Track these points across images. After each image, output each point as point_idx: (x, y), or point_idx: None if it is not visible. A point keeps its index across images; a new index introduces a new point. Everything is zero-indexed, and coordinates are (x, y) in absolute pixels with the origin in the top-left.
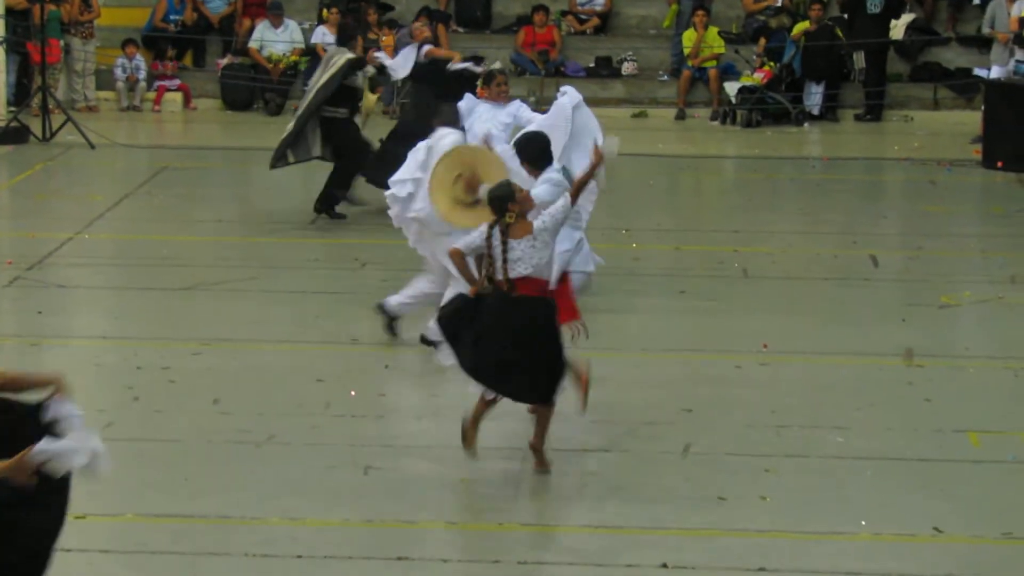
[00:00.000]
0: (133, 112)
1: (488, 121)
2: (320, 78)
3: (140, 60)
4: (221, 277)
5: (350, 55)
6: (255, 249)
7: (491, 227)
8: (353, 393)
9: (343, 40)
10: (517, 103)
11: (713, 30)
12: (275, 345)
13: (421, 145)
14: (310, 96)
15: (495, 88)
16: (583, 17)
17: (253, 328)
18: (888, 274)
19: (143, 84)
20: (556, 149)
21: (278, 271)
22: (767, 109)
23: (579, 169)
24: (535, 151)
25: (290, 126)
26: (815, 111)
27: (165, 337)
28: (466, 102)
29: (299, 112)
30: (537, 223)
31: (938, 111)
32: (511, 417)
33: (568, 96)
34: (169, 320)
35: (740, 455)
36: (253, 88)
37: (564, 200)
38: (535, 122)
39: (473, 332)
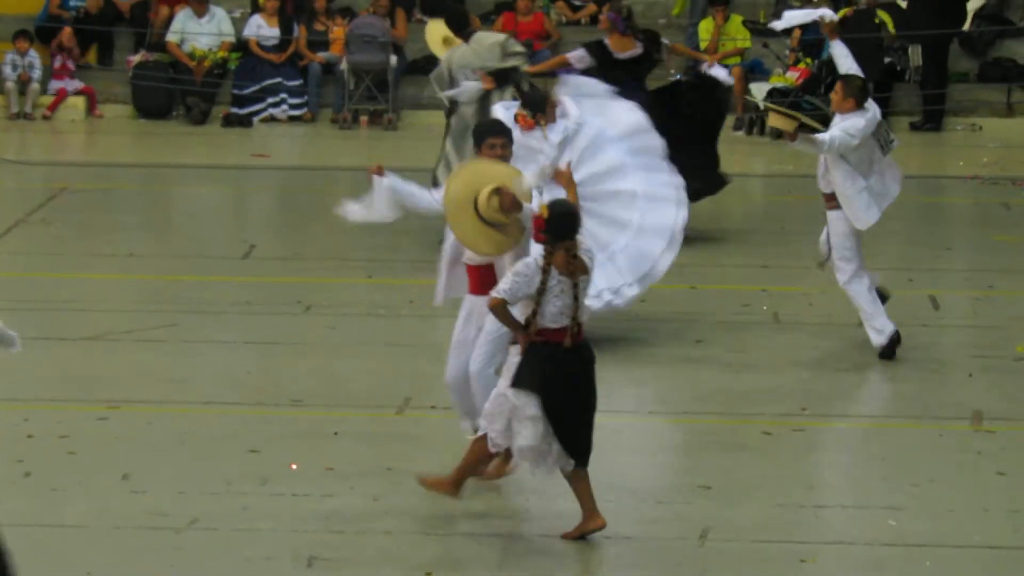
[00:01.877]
0: (25, 121)
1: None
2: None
3: (34, 56)
4: (132, 324)
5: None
6: (174, 290)
7: (549, 259)
8: (294, 466)
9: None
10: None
11: (736, 19)
12: (198, 407)
13: None
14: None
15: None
16: (577, 4)
17: (171, 387)
18: (952, 318)
19: (37, 86)
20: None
21: (202, 317)
22: None
23: None
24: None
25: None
26: None
27: (63, 398)
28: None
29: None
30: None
31: (1013, 118)
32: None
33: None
34: (68, 377)
35: (770, 542)
36: (172, 91)
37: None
38: None
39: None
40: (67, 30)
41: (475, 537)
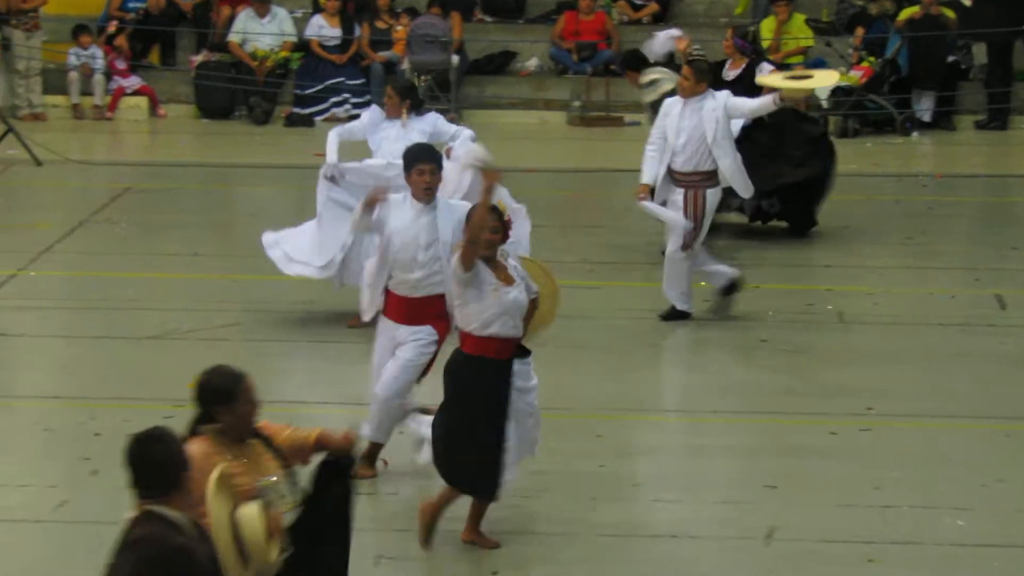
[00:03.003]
0: (90, 121)
1: (398, 140)
2: None
3: (97, 51)
4: (196, 323)
5: None
6: (237, 289)
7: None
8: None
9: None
10: (433, 116)
11: (799, 18)
12: (264, 406)
13: None
14: None
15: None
16: (638, 3)
17: None
18: (1019, 318)
19: (101, 77)
20: None
21: (265, 316)
22: (867, 115)
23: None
24: None
25: None
26: (925, 117)
27: (129, 396)
28: (370, 115)
29: None
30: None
31: None
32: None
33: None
34: (133, 376)
35: (836, 542)
36: (234, 91)
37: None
38: (463, 130)
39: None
40: (121, 34)
41: (540, 536)
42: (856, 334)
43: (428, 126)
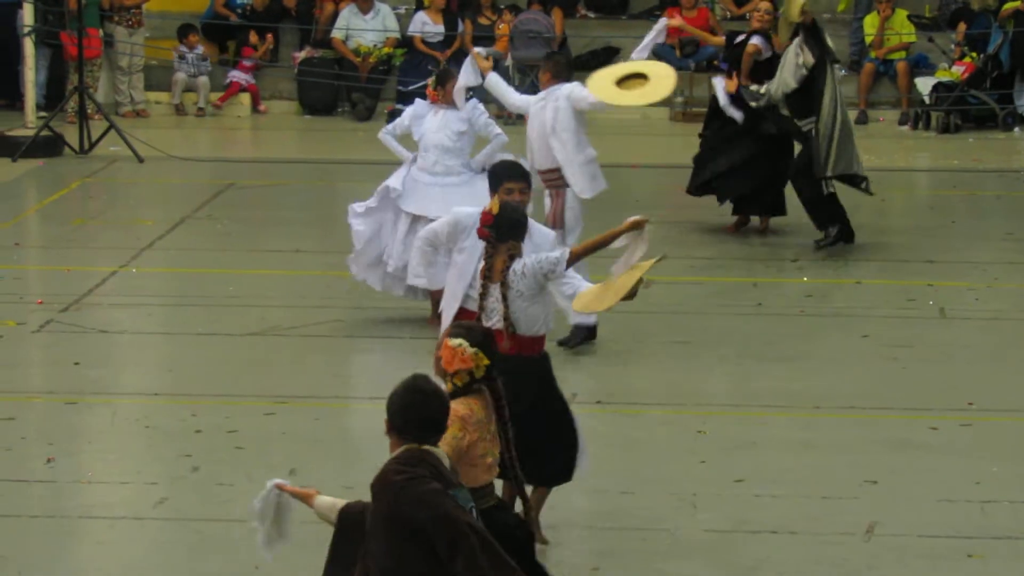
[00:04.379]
0: (192, 117)
1: (439, 130)
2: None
3: (202, 52)
4: (298, 320)
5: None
6: (340, 286)
7: (489, 260)
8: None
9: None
10: (473, 104)
11: (901, 14)
12: (365, 403)
13: None
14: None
15: (450, 90)
16: None
17: (338, 382)
18: None
19: (207, 80)
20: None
21: (368, 312)
22: (968, 111)
23: None
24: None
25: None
26: None
27: (230, 393)
28: (414, 108)
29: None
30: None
31: None
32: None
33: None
34: (235, 373)
35: (937, 537)
36: (337, 87)
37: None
38: (498, 135)
39: None
40: (252, 31)
41: (641, 532)
42: (957, 329)
43: (467, 114)
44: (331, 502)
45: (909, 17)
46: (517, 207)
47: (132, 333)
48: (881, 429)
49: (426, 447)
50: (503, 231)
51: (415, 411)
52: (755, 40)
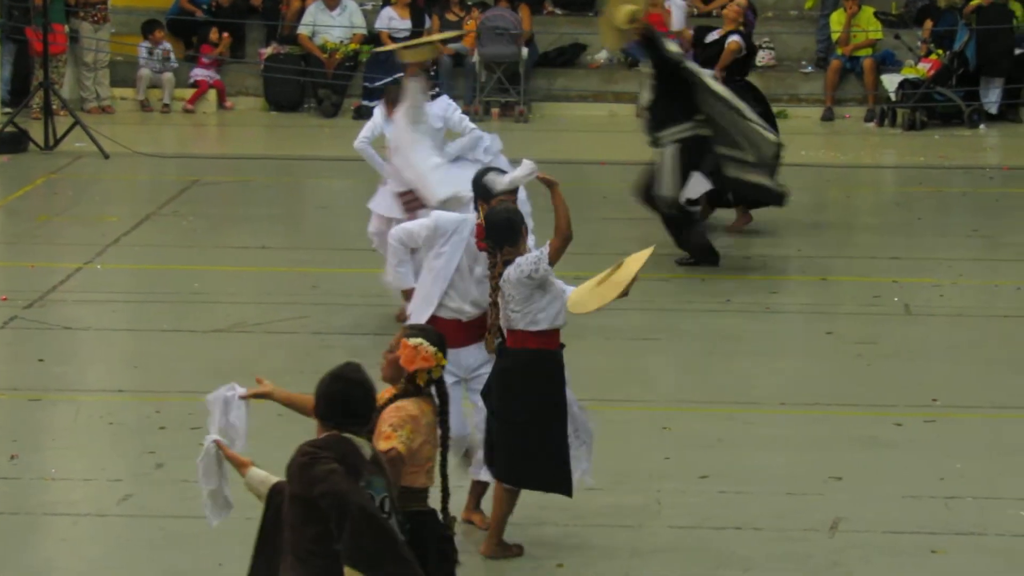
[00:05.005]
0: (157, 114)
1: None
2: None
3: (168, 48)
4: (264, 316)
5: None
6: (306, 281)
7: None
8: None
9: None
10: (445, 100)
11: (868, 11)
12: None
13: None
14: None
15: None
16: None
17: (303, 379)
18: None
19: (172, 76)
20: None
21: (333, 309)
22: (935, 108)
23: None
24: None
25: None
26: (993, 110)
27: (195, 390)
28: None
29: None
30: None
31: None
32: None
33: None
34: (199, 369)
35: (901, 533)
36: (303, 84)
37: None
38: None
39: None
40: (214, 29)
41: (605, 529)
42: (922, 326)
43: (440, 111)
44: (263, 476)
45: (876, 14)
46: (506, 207)
47: (97, 330)
48: (846, 425)
49: (346, 435)
50: (496, 236)
51: (338, 399)
52: (735, 38)
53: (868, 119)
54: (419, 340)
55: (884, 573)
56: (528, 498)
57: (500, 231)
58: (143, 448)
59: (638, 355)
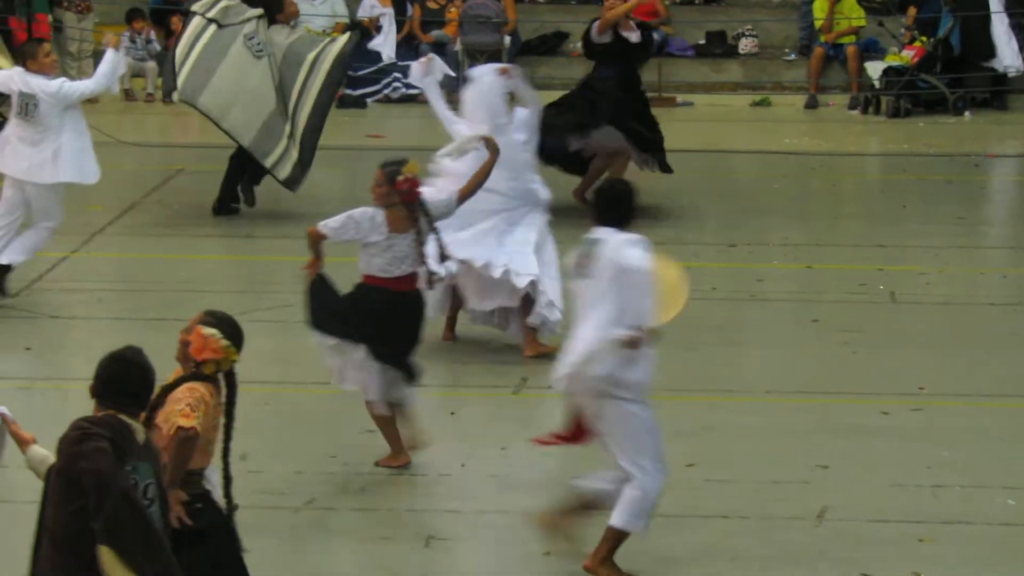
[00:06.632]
0: (142, 103)
1: None
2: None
3: (152, 37)
4: (249, 305)
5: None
6: (292, 270)
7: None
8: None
9: None
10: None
11: None
12: (314, 388)
13: None
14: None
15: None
16: None
17: (287, 367)
18: None
19: (154, 64)
20: None
21: None
22: (919, 95)
23: None
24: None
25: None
26: (978, 97)
27: None
28: None
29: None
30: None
31: None
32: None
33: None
34: None
35: (887, 521)
36: None
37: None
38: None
39: None
40: (175, 17)
41: (593, 517)
42: (908, 314)
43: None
44: (44, 455)
45: (859, 1)
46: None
47: (83, 319)
48: (832, 414)
49: (122, 416)
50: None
51: (115, 380)
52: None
53: (852, 107)
54: (213, 331)
55: (871, 562)
56: (512, 485)
57: None
58: None
59: None
